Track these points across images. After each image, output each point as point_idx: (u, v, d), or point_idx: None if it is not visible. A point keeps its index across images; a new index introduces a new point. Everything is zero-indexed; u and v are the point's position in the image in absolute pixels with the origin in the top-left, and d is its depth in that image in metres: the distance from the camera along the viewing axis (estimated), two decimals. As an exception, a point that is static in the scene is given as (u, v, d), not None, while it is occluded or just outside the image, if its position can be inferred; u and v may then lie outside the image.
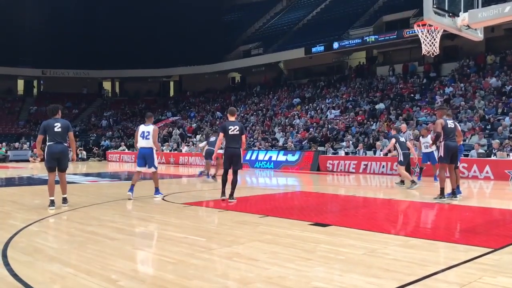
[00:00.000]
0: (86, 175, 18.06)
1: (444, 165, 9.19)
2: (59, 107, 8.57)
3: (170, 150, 28.60)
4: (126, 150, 31.34)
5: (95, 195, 10.74)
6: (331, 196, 10.93)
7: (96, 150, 33.50)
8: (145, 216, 7.53)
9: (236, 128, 9.03)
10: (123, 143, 32.63)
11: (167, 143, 30.01)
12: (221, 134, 9.22)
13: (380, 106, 24.55)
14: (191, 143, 28.64)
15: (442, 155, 9.08)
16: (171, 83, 46.60)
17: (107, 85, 46.09)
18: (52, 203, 8.21)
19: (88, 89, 43.88)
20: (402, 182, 12.45)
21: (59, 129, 8.16)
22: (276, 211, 8.07)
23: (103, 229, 6.39)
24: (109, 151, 32.65)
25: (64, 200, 8.54)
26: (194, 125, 32.47)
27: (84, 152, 31.91)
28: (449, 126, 9.09)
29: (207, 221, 7.14)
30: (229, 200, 9.00)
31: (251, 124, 29.27)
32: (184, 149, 27.40)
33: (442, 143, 9.05)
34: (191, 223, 6.97)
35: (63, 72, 40.62)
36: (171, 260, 4.71)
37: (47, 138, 8.18)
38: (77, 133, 37.55)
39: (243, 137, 9.19)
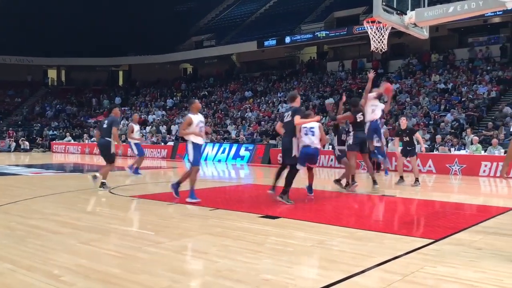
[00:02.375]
0: (29, 166, 17.33)
1: (353, 153, 9.75)
2: (113, 106, 10.52)
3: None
4: (72, 141, 30.29)
5: (38, 187, 10.31)
6: (280, 189, 11.01)
7: (40, 140, 32.17)
8: (91, 209, 7.31)
9: (288, 114, 7.78)
10: (68, 134, 31.49)
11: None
12: (279, 124, 8.43)
13: (330, 100, 25.00)
14: (141, 134, 28.05)
15: (351, 143, 9.64)
16: (120, 73, 45.38)
17: (52, 73, 44.23)
18: (101, 184, 9.49)
19: (32, 77, 41.95)
20: (402, 177, 11.62)
21: (105, 126, 9.65)
22: (227, 203, 8.05)
23: (45, 222, 6.15)
24: (54, 141, 31.44)
25: (102, 184, 9.47)
26: (143, 116, 31.81)
27: (27, 143, 30.57)
28: (358, 120, 9.68)
29: (155, 214, 7.01)
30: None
31: (203, 116, 29.02)
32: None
33: (352, 133, 9.66)
34: (139, 216, 6.84)
35: (5, 58, 38.54)
36: (118, 254, 4.59)
37: None
38: (19, 122, 35.93)
39: (296, 119, 7.58)
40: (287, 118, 7.76)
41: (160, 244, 4.97)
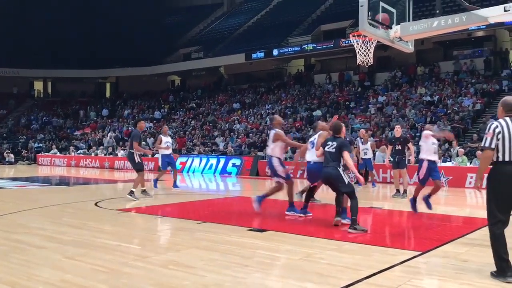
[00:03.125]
0: (14, 179, 17.10)
1: None
2: (138, 120, 11.45)
3: (105, 154, 27.72)
4: (58, 154, 29.99)
5: (23, 201, 10.18)
6: (269, 201, 10.99)
7: (26, 153, 31.79)
8: (77, 223, 7.22)
9: (333, 145, 7.03)
10: (54, 146, 31.18)
11: (101, 147, 29.06)
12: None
13: (317, 113, 25.15)
14: (127, 147, 27.90)
15: None
16: (108, 85, 45.18)
17: (38, 85, 43.86)
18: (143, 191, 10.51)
19: (18, 89, 41.56)
20: (398, 191, 11.47)
21: (129, 139, 10.82)
22: (214, 216, 8.02)
23: (30, 237, 6.06)
24: (40, 154, 31.09)
25: (131, 193, 10.00)
26: (131, 128, 31.61)
27: (12, 155, 30.18)
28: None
29: (142, 228, 6.95)
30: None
31: (191, 128, 29.01)
32: (120, 153, 26.64)
33: None
34: (126, 230, 6.77)
35: (-11, 70, 38.24)
36: (103, 269, 4.54)
37: None
38: (4, 135, 35.53)
39: (345, 155, 6.94)
40: (329, 148, 7.03)
41: (147, 259, 4.92)
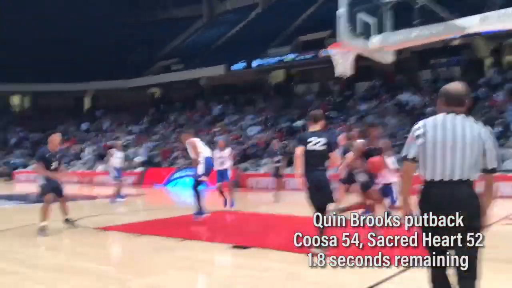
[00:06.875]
0: (-11, 198, 16.58)
1: None
2: (50, 133, 9.45)
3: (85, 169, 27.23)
4: (36, 170, 29.31)
5: (-4, 222, 9.81)
6: (251, 215, 10.85)
7: (3, 169, 31.04)
8: (53, 245, 6.95)
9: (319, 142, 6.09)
10: (32, 162, 30.52)
11: (80, 162, 28.57)
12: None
13: (298, 123, 25.17)
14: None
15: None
16: (86, 98, 44.61)
17: (16, 99, 43.11)
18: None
19: (-7, 104, 40.75)
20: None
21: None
22: (196, 233, 7.83)
23: (1, 262, 5.78)
24: (17, 170, 30.37)
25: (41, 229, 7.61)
26: (109, 143, 31.14)
27: (-13, 172, 29.45)
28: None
29: (121, 247, 6.72)
30: None
31: (172, 141, 28.72)
32: (99, 167, 26.19)
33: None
34: (104, 250, 6.54)
35: (-36, 85, 37.42)
36: (79, 295, 4.32)
37: None
38: (-21, 151, 34.71)
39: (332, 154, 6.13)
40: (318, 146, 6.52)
41: (126, 282, 4.72)
